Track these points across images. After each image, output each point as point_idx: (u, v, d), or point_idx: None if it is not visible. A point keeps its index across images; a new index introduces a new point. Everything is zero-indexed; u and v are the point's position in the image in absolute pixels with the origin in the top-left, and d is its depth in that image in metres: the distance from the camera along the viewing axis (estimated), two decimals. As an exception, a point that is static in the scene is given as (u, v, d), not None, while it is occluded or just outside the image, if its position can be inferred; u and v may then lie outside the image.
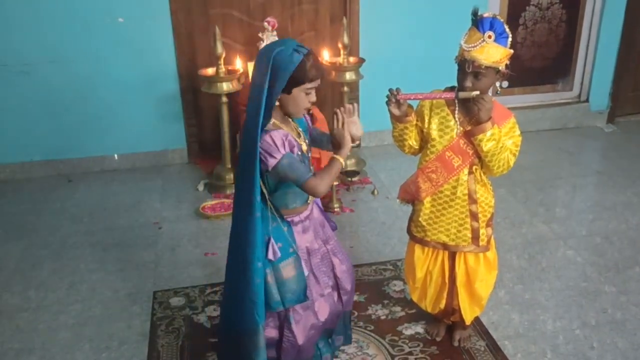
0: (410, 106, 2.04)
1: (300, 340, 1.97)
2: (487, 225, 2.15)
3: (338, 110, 1.85)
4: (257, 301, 1.83)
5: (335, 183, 3.42)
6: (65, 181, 3.97)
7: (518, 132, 2.03)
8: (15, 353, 2.39)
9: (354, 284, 2.18)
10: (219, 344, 2.19)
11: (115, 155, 4.12)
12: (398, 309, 2.59)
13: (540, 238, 3.17)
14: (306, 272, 1.93)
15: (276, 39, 3.60)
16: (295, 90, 1.74)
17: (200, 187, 3.79)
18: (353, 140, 1.87)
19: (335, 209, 3.43)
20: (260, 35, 3.64)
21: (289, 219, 1.90)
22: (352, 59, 3.73)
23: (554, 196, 3.70)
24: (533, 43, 4.56)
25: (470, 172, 2.07)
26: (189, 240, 3.17)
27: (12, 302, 2.70)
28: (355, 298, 2.63)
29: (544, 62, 4.66)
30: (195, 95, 4.04)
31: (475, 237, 2.13)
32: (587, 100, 4.82)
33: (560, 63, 4.72)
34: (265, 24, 3.58)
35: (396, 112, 2.00)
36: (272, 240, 1.85)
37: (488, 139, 1.93)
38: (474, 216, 2.11)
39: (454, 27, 4.13)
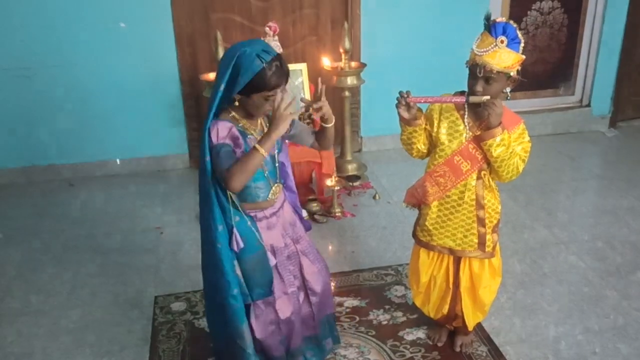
0: (419, 109, 2.03)
1: (259, 334, 1.96)
2: (493, 232, 2.14)
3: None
4: (235, 295, 1.86)
5: (337, 188, 3.41)
6: (67, 185, 3.97)
7: (527, 138, 2.02)
8: (16, 358, 2.38)
9: (329, 287, 2.16)
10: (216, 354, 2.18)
11: (118, 160, 4.12)
12: (399, 314, 2.58)
13: (541, 243, 3.16)
14: (272, 262, 1.93)
15: (277, 44, 3.60)
16: (254, 96, 1.73)
17: (202, 192, 3.79)
18: (325, 121, 1.89)
19: (337, 214, 3.43)
20: (261, 40, 3.63)
21: (252, 214, 1.90)
22: (353, 64, 3.73)
23: (555, 201, 3.70)
24: (534, 47, 4.56)
25: (479, 178, 2.06)
26: (190, 245, 3.17)
27: (13, 306, 2.70)
28: (356, 303, 2.63)
29: (545, 66, 4.67)
30: (196, 100, 4.04)
31: (482, 243, 2.12)
32: (588, 105, 4.82)
33: (562, 67, 4.72)
34: (267, 29, 3.57)
35: (405, 115, 1.99)
36: (235, 230, 1.83)
37: (498, 144, 1.92)
38: (480, 222, 2.10)
39: (456, 32, 4.17)
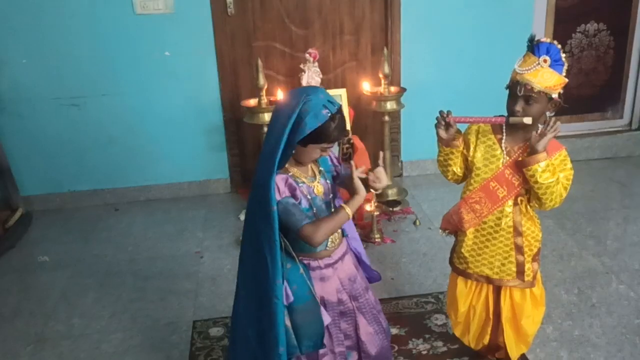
0: (458, 131, 2.00)
1: None
2: (533, 260, 2.07)
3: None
4: (280, 345, 1.72)
5: (376, 213, 3.38)
6: (112, 210, 4.07)
7: (570, 165, 1.94)
8: (58, 381, 2.42)
9: (387, 351, 2.02)
10: None
11: (161, 185, 4.20)
12: (440, 343, 2.51)
13: (590, 272, 3.04)
14: (326, 321, 1.80)
15: (317, 70, 3.63)
16: (311, 146, 1.68)
17: (242, 217, 3.81)
18: (375, 189, 1.78)
19: (376, 240, 3.39)
20: (301, 66, 3.68)
21: (305, 261, 1.81)
22: (393, 89, 3.73)
23: (604, 228, 3.56)
24: (580, 70, 4.46)
25: (516, 204, 2.00)
26: (229, 270, 3.18)
27: (57, 329, 2.75)
28: (396, 331, 2.58)
29: (592, 89, 4.55)
30: (238, 126, 4.10)
31: (520, 272, 2.05)
32: (638, 129, 4.67)
33: (609, 90, 4.60)
34: (307, 55, 3.62)
35: (444, 135, 1.96)
36: (286, 283, 1.74)
37: (543, 169, 1.84)
38: (519, 249, 2.03)
39: (497, 56, 4.12)
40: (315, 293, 1.79)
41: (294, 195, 1.71)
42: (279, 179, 1.69)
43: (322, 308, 1.80)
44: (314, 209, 1.75)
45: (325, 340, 1.84)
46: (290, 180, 1.72)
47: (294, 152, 1.68)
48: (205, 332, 2.65)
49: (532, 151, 1.85)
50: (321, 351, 1.84)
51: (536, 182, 1.86)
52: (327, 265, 1.83)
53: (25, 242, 3.66)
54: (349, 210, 1.69)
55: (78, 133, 3.98)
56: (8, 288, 3.13)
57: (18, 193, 3.95)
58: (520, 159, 1.93)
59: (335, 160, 1.90)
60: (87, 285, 3.12)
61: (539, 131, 1.83)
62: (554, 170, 1.87)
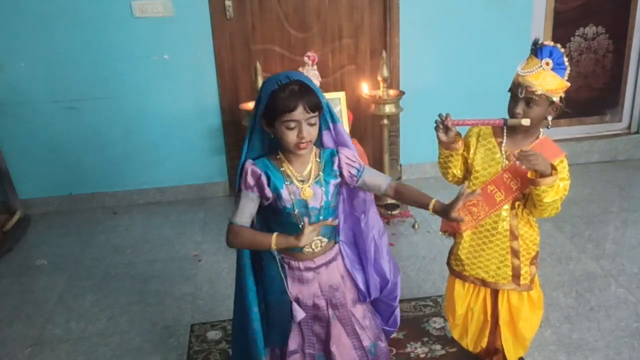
0: (458, 133, 1.99)
1: None
2: (531, 264, 2.07)
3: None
4: (255, 339, 1.78)
5: (375, 216, 3.37)
6: (111, 213, 4.06)
7: (567, 173, 1.92)
8: (55, 384, 2.42)
9: None
10: None
11: (159, 188, 4.20)
12: (438, 347, 2.51)
13: (588, 275, 3.04)
14: (299, 316, 1.79)
15: (316, 73, 3.63)
16: (276, 124, 1.63)
17: (241, 220, 3.81)
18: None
19: (375, 243, 3.38)
20: (300, 69, 3.67)
21: (286, 260, 1.78)
22: (392, 92, 3.72)
23: (603, 231, 3.56)
24: (579, 74, 4.47)
25: (513, 208, 2.00)
26: (227, 273, 3.18)
27: (55, 332, 2.75)
28: (394, 335, 2.56)
29: (590, 93, 4.55)
30: (237, 129, 4.09)
31: (516, 276, 2.04)
32: (637, 132, 4.67)
33: (608, 94, 4.60)
34: (306, 58, 3.62)
35: (443, 138, 1.95)
36: (294, 303, 1.77)
37: (548, 188, 1.81)
38: (515, 253, 2.03)
39: (496, 60, 4.13)
40: (289, 292, 1.77)
41: (260, 189, 1.68)
42: (252, 171, 1.68)
43: (295, 304, 1.78)
44: (296, 210, 1.69)
45: (296, 337, 1.85)
46: (263, 179, 1.67)
47: (272, 136, 1.68)
48: (203, 336, 2.64)
49: (541, 174, 1.81)
50: (290, 347, 1.84)
51: (541, 201, 1.84)
52: (308, 269, 1.78)
53: (23, 246, 3.66)
54: (273, 243, 1.63)
55: (77, 136, 3.98)
56: (6, 291, 3.13)
57: (16, 196, 3.95)
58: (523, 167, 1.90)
59: (347, 171, 1.77)
60: (85, 288, 3.11)
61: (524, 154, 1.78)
62: (557, 189, 1.84)
